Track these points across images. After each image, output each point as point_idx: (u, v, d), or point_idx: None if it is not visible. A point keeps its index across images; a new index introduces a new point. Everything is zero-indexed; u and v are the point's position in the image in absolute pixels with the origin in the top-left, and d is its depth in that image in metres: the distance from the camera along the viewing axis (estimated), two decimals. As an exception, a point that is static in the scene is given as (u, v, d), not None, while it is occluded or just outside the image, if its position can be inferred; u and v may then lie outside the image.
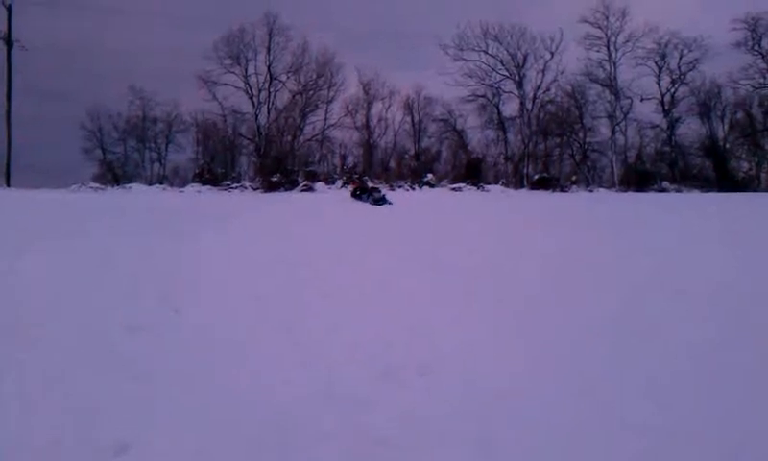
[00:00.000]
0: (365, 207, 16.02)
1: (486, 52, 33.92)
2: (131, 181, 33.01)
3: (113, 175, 33.73)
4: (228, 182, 32.83)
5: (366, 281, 5.51)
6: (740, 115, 33.73)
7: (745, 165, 34.27)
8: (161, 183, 33.36)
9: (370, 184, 20.24)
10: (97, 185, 31.33)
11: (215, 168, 33.87)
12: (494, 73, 34.11)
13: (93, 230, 8.74)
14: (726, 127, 33.94)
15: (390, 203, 17.17)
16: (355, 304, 4.62)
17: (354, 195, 18.36)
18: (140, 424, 2.54)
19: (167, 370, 3.16)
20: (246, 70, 33.43)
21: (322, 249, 7.59)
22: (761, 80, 33.37)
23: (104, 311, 4.20)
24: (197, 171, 33.56)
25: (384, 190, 19.81)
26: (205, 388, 2.94)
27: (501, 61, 33.92)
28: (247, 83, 33.51)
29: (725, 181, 31.99)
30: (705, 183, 32.29)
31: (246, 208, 15.14)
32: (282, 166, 32.89)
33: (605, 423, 2.57)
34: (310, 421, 2.59)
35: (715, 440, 2.42)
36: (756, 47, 33.25)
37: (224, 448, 2.37)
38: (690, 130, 34.00)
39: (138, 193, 28.52)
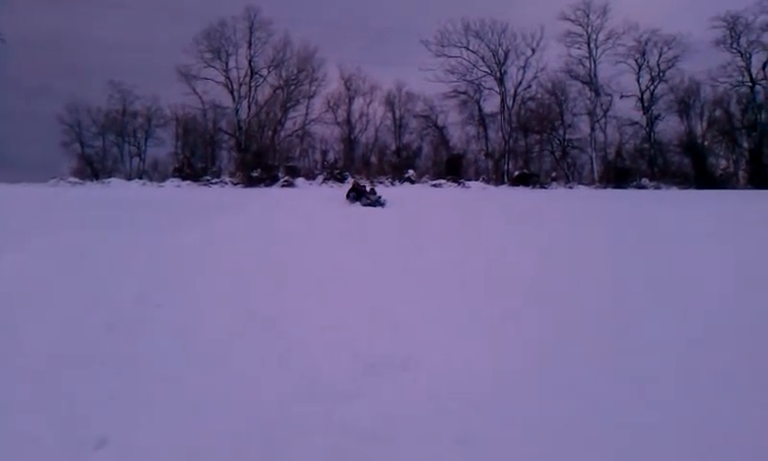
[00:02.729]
0: (354, 208, 15.47)
1: (467, 48, 34.00)
2: (110, 176, 32.69)
3: (92, 169, 33.48)
4: (208, 177, 32.67)
5: (349, 278, 5.53)
6: (719, 113, 34.00)
7: (723, 162, 34.57)
8: (141, 178, 33.17)
9: (368, 187, 18.71)
10: (76, 180, 31.16)
11: (195, 163, 33.66)
12: (475, 69, 34.19)
13: (72, 226, 8.69)
14: (704, 124, 34.26)
15: (382, 204, 16.13)
16: (338, 300, 4.65)
17: (349, 197, 17.16)
18: (121, 420, 2.55)
19: (148, 365, 3.16)
20: (226, 64, 33.35)
21: (304, 245, 7.58)
22: (740, 78, 33.72)
23: (84, 307, 4.19)
24: (176, 166, 33.36)
25: (378, 189, 18.61)
26: (187, 383, 2.93)
27: (482, 58, 33.99)
28: (227, 77, 33.42)
29: (703, 178, 32.24)
30: (683, 180, 32.55)
31: (228, 204, 15.04)
32: (263, 161, 32.81)
33: (587, 419, 2.58)
34: (293, 416, 2.60)
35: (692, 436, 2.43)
36: (735, 45, 33.57)
37: (205, 443, 2.37)
38: (669, 127, 34.35)
39: (117, 188, 28.38)
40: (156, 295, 4.57)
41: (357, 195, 16.76)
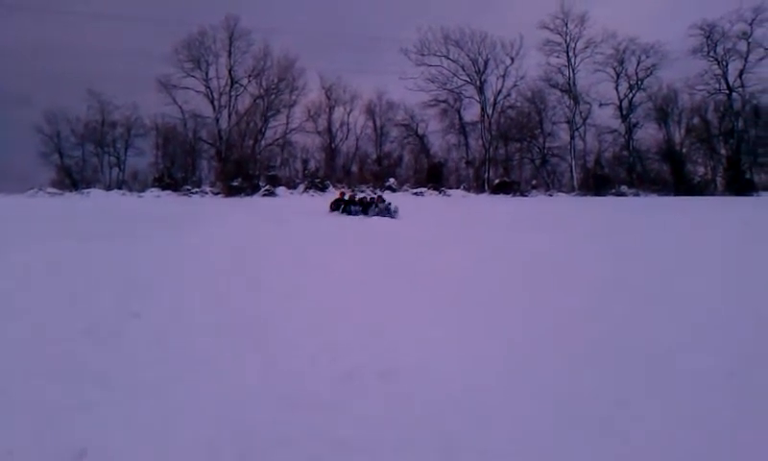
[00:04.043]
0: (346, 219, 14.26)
1: (447, 57, 34.21)
2: (89, 186, 32.50)
3: (71, 180, 33.24)
4: (189, 187, 32.59)
5: (328, 286, 5.49)
6: (696, 120, 34.41)
7: (701, 169, 34.88)
8: (120, 188, 32.99)
9: (370, 196, 17.69)
10: (55, 190, 30.95)
11: (175, 173, 33.55)
12: (456, 78, 34.44)
13: (50, 235, 8.62)
14: (682, 132, 34.63)
15: (392, 214, 14.63)
16: (317, 308, 4.58)
17: (337, 208, 15.74)
18: (99, 430, 2.50)
19: (127, 375, 3.11)
20: (206, 74, 33.32)
21: (283, 252, 7.55)
22: (717, 85, 34.12)
23: (62, 316, 4.13)
24: (156, 176, 33.22)
25: (387, 197, 17.41)
26: (165, 393, 2.88)
27: (462, 67, 34.24)
28: (207, 86, 33.39)
29: (682, 184, 32.54)
30: (662, 187, 32.83)
31: (208, 215, 14.83)
32: (243, 171, 32.73)
33: (568, 426, 2.56)
34: (271, 425, 2.55)
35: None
36: (712, 53, 33.99)
37: (183, 454, 2.33)
38: (648, 134, 34.74)
39: (97, 198, 28.23)
40: (134, 304, 4.53)
41: (364, 207, 15.40)
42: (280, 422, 2.58)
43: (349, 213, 15.17)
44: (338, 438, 2.45)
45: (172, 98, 32.81)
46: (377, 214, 14.77)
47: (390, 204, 15.35)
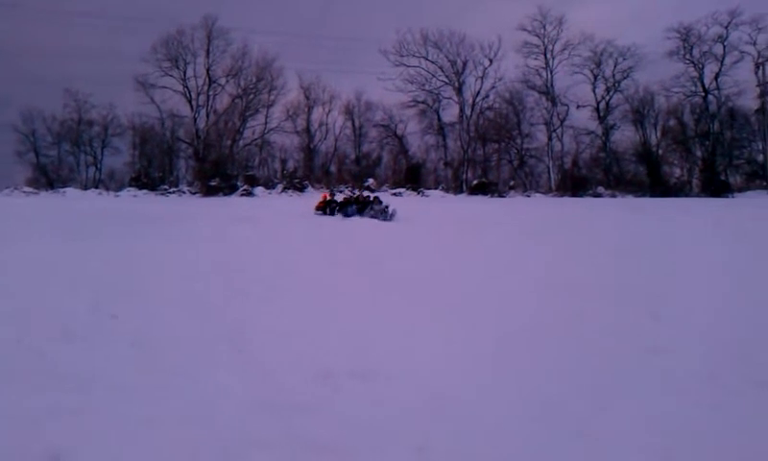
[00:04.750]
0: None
1: (426, 58, 34.29)
2: (65, 186, 32.30)
3: (47, 179, 32.99)
4: (166, 187, 32.48)
5: (305, 288, 5.48)
6: (672, 122, 34.66)
7: (677, 171, 35.17)
8: (97, 188, 32.82)
9: (369, 194, 16.23)
10: (30, 190, 30.74)
11: (152, 172, 33.41)
12: (434, 79, 34.54)
13: (26, 235, 8.56)
14: (659, 133, 34.89)
15: (389, 218, 13.57)
16: (294, 310, 4.60)
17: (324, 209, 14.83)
18: (75, 433, 2.45)
19: (104, 377, 3.06)
20: (184, 73, 33.24)
21: (260, 254, 7.52)
22: (693, 88, 34.42)
23: (38, 317, 4.08)
24: (133, 175, 33.07)
25: (385, 198, 15.97)
26: (143, 396, 2.85)
27: (441, 68, 34.33)
28: (185, 86, 33.31)
29: (658, 186, 32.78)
30: (638, 188, 33.08)
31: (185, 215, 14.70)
32: (221, 170, 32.65)
33: (543, 426, 2.57)
34: (248, 428, 2.54)
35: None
36: (688, 56, 34.27)
37: (160, 457, 2.31)
38: (625, 136, 34.98)
39: (73, 197, 28.07)
40: (112, 304, 4.49)
41: (361, 207, 14.38)
42: (259, 425, 2.58)
43: (346, 214, 14.21)
44: (314, 440, 2.45)
45: (149, 97, 32.72)
46: (372, 216, 13.77)
47: (387, 206, 14.26)
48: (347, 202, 14.94)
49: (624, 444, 2.44)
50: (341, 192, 31.65)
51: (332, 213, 14.60)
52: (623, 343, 3.80)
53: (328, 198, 15.49)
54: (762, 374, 3.18)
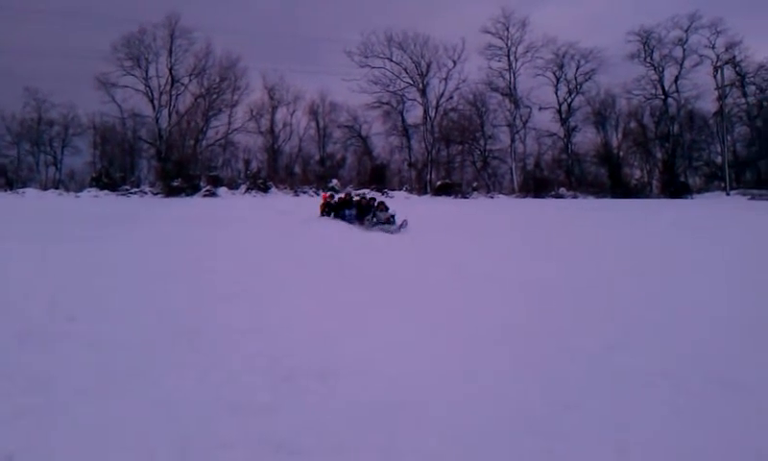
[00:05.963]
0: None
1: (390, 59, 34.35)
2: (24, 186, 31.85)
3: (6, 179, 32.53)
4: (127, 187, 32.16)
5: (267, 287, 5.47)
6: (633, 125, 35.19)
7: (638, 172, 35.71)
8: (57, 188, 32.39)
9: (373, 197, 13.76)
10: (-12, 190, 30.36)
11: (113, 172, 33.07)
12: (399, 80, 34.60)
13: None
14: (620, 135, 35.43)
15: (396, 226, 11.02)
16: (256, 310, 4.56)
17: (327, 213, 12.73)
18: (29, 436, 2.41)
19: (61, 379, 3.02)
20: (146, 72, 32.85)
21: (224, 254, 7.49)
22: (653, 91, 34.95)
23: None
24: (94, 175, 32.68)
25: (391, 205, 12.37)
26: (101, 398, 2.81)
27: (405, 69, 34.42)
28: (147, 85, 32.93)
29: (618, 187, 33.24)
30: (599, 190, 33.50)
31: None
32: (184, 171, 32.43)
33: (511, 427, 2.58)
34: (211, 429, 2.52)
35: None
36: (649, 59, 34.81)
37: (117, 460, 2.29)
38: (586, 138, 35.47)
39: (32, 198, 27.71)
40: (69, 306, 4.42)
41: (361, 213, 12.12)
42: (221, 426, 2.57)
43: (343, 218, 12.10)
44: (277, 440, 2.44)
45: (110, 96, 32.23)
46: (377, 227, 11.02)
47: (394, 214, 11.43)
48: (343, 203, 12.66)
49: (596, 441, 2.48)
50: (305, 192, 31.46)
51: (336, 217, 12.51)
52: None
53: (328, 199, 13.40)
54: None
